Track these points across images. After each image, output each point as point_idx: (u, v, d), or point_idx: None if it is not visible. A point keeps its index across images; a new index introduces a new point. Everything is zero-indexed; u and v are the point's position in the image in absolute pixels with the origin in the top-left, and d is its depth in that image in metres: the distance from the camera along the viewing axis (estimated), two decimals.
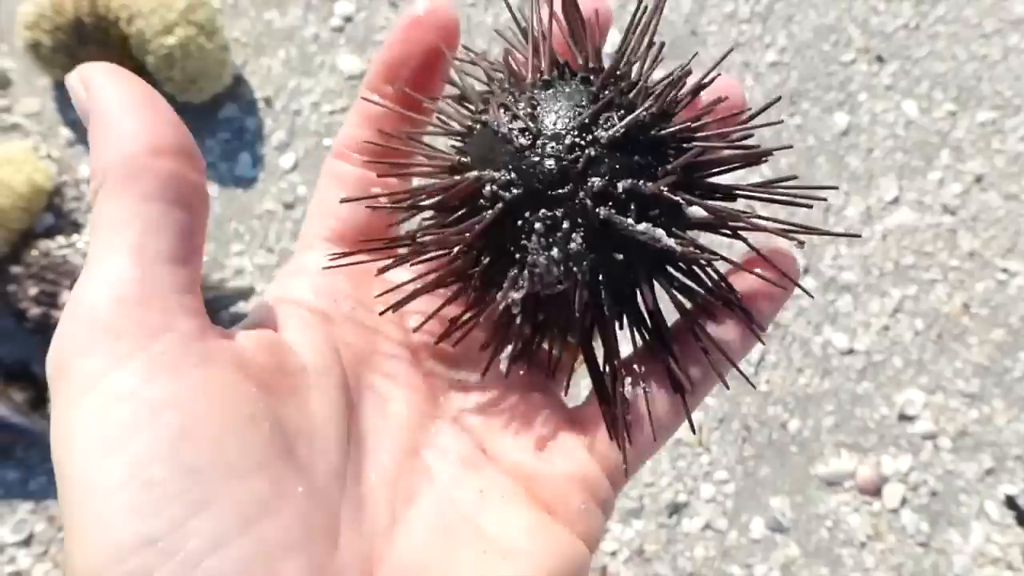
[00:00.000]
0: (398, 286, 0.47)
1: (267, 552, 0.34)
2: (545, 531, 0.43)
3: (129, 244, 0.36)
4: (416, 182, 0.48)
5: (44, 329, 1.33)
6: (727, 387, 0.46)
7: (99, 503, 0.33)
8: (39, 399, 1.36)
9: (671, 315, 0.47)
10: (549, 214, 0.41)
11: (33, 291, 1.33)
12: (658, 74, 0.46)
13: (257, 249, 1.51)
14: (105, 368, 0.35)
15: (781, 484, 1.45)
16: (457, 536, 0.42)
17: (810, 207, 0.44)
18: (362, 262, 0.47)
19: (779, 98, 0.49)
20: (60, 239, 1.38)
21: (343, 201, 0.47)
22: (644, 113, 0.42)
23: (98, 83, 0.39)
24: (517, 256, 0.42)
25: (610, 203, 0.41)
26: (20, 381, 1.36)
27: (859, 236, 0.43)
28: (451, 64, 0.48)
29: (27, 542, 1.33)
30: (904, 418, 1.50)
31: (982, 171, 1.68)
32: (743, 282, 0.46)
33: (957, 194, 1.66)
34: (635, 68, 0.46)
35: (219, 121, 1.59)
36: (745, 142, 0.45)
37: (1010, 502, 1.46)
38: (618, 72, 0.45)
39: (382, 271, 0.47)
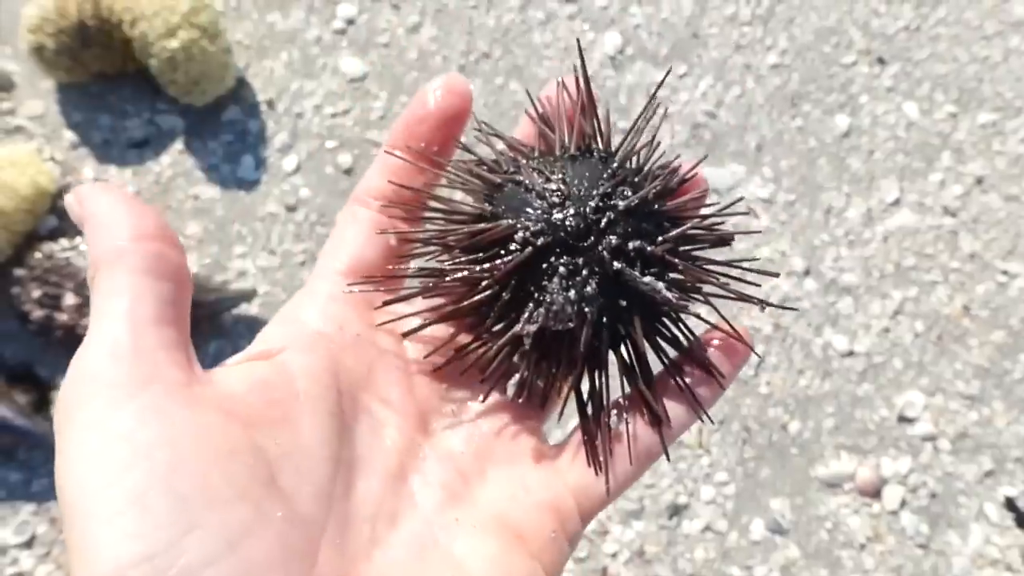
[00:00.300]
0: (406, 316, 0.54)
1: (250, 570, 0.39)
2: (510, 560, 0.48)
3: (120, 311, 0.43)
4: (432, 228, 0.56)
5: (47, 331, 1.34)
6: (712, 422, 0.54)
7: (102, 528, 0.38)
8: (42, 401, 1.37)
9: (655, 365, 0.54)
10: (572, 261, 0.49)
11: (36, 293, 1.33)
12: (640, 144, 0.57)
13: (260, 251, 1.51)
14: (104, 414, 0.40)
15: (781, 486, 1.46)
16: (429, 561, 0.47)
17: (759, 286, 0.54)
18: (378, 290, 0.53)
19: (741, 197, 0.61)
20: (64, 242, 1.39)
21: (379, 233, 0.54)
22: (650, 191, 0.51)
23: (88, 196, 0.46)
24: (536, 295, 0.50)
25: (622, 258, 0.49)
26: (23, 383, 1.36)
27: (795, 310, 0.51)
28: (477, 130, 0.57)
29: (29, 544, 1.34)
30: (904, 420, 1.50)
31: (983, 173, 1.68)
32: (712, 342, 0.54)
33: (958, 196, 1.66)
34: (641, 154, 0.55)
35: (222, 123, 1.60)
36: (722, 227, 0.55)
37: (1009, 504, 1.46)
38: (631, 153, 0.54)
39: (393, 301, 0.54)
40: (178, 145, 1.58)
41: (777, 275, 0.54)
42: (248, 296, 1.46)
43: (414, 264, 0.55)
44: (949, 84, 1.75)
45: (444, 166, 0.55)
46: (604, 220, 0.49)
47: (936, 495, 1.46)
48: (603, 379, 0.52)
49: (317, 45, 1.67)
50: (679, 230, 0.51)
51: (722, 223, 0.54)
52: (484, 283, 0.51)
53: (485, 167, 0.54)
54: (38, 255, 1.37)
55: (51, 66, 1.52)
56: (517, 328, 0.49)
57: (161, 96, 1.58)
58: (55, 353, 1.40)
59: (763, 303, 0.53)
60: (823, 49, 1.77)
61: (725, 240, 0.54)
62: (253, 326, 1.46)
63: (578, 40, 0.55)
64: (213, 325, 1.43)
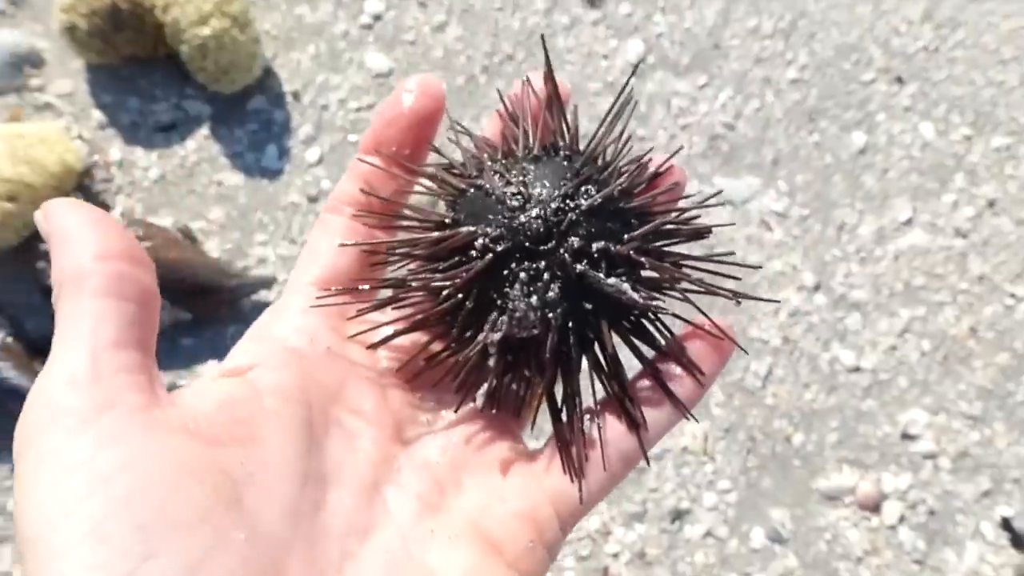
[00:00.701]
0: (377, 326, 0.53)
1: None
2: (486, 570, 0.47)
3: (80, 334, 0.42)
4: (402, 235, 0.55)
5: None
6: (696, 420, 0.53)
7: (60, 559, 0.37)
8: None
9: (632, 368, 0.53)
10: (533, 266, 0.47)
11: None
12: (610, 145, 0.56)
13: (280, 240, 1.54)
14: (61, 442, 0.39)
15: (782, 496, 1.48)
16: (403, 573, 0.46)
17: (739, 279, 0.53)
18: (346, 303, 0.52)
19: (720, 190, 0.60)
20: (111, 213, 1.41)
21: (342, 246, 0.53)
22: (615, 188, 0.49)
23: (55, 212, 0.45)
24: (499, 302, 0.48)
25: (585, 260, 0.48)
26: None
27: (778, 302, 0.51)
28: (450, 130, 0.55)
29: None
30: (906, 437, 1.53)
31: (995, 196, 1.70)
32: (693, 339, 0.52)
33: (969, 218, 1.68)
34: (609, 150, 0.54)
35: (248, 112, 1.62)
36: (696, 221, 0.53)
37: (1005, 524, 1.48)
38: (597, 150, 0.53)
39: (363, 312, 0.52)
40: (204, 131, 1.60)
41: (759, 267, 0.56)
42: (268, 283, 1.48)
43: (389, 272, 0.55)
44: (965, 106, 1.77)
45: (416, 171, 0.54)
46: (565, 222, 0.48)
47: (934, 512, 1.48)
48: (575, 384, 0.51)
49: (344, 39, 1.69)
50: (646, 228, 0.49)
51: (697, 216, 0.52)
52: (445, 292, 0.49)
53: (451, 172, 0.53)
54: None
55: (83, 47, 1.54)
56: (481, 337, 0.48)
57: (190, 82, 1.60)
58: None
59: (737, 296, 0.51)
60: (843, 66, 1.79)
61: (700, 234, 0.52)
62: None
63: (542, 36, 0.58)
64: (232, 310, 1.45)
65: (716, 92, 1.74)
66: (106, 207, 1.51)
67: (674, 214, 0.52)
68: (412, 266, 0.53)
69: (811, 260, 1.63)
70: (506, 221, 0.48)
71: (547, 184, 0.49)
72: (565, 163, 0.51)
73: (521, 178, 0.49)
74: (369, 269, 0.54)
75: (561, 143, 0.53)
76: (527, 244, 0.47)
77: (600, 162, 0.52)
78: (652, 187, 0.53)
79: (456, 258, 0.49)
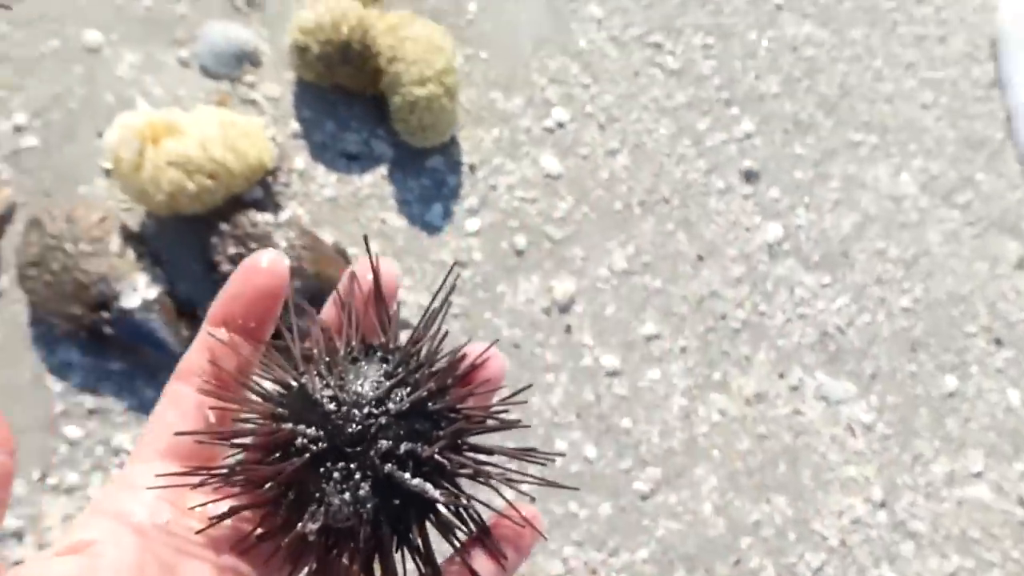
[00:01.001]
0: (216, 500, 0.54)
1: None
2: None
3: None
4: (242, 414, 0.57)
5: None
6: None
7: None
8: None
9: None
10: (346, 466, 0.51)
11: (231, 251, 1.46)
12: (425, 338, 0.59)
13: (423, 290, 1.64)
14: None
15: None
16: None
17: (543, 464, 0.57)
18: (184, 484, 0.53)
19: (529, 386, 0.63)
20: (268, 216, 1.52)
21: (177, 434, 0.53)
22: (424, 391, 0.53)
23: None
24: (317, 495, 0.51)
25: (393, 461, 0.51)
26: (187, 318, 1.48)
27: (576, 489, 0.54)
28: (284, 317, 0.58)
29: None
30: None
31: None
32: (500, 527, 0.56)
33: None
34: (425, 347, 0.57)
35: (426, 168, 1.75)
36: (504, 415, 0.57)
37: None
38: (412, 351, 0.56)
39: (202, 485, 0.54)
40: (382, 170, 1.73)
41: (562, 455, 0.56)
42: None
43: (224, 456, 0.57)
44: None
45: (257, 348, 0.56)
46: (375, 426, 0.51)
47: None
48: (391, 566, 0.54)
49: (526, 134, 1.84)
50: (450, 429, 0.53)
51: (506, 411, 0.56)
52: (268, 484, 0.52)
53: (277, 365, 0.55)
54: (244, 219, 1.50)
55: (306, 66, 1.69)
56: (299, 526, 0.51)
57: (384, 124, 1.74)
58: None
59: (543, 484, 0.55)
60: (950, 312, 1.91)
61: (508, 427, 0.56)
62: None
63: (365, 236, 0.58)
64: None
65: (836, 295, 1.86)
66: (278, 207, 1.63)
67: (477, 413, 0.56)
68: (246, 453, 0.55)
69: (883, 478, 1.70)
70: (322, 422, 0.51)
71: (363, 387, 0.52)
72: (382, 364, 0.54)
73: (339, 381, 0.52)
74: (210, 447, 0.55)
75: (384, 340, 0.57)
76: (340, 446, 0.51)
77: (416, 360, 0.55)
78: (468, 381, 0.57)
79: (280, 452, 0.52)
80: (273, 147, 1.66)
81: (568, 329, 1.72)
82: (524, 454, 0.57)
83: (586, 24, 1.98)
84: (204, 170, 1.46)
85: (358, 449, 0.51)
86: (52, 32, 1.68)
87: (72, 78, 1.66)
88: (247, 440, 0.54)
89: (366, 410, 0.51)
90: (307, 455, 0.51)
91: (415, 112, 1.64)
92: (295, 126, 1.72)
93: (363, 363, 0.54)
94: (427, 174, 1.74)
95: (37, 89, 1.63)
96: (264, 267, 0.55)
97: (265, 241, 1.48)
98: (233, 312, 0.55)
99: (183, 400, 0.54)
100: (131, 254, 1.48)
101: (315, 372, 0.53)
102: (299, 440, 0.51)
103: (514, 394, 0.57)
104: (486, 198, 1.76)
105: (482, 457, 0.57)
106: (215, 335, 0.55)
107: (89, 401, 1.48)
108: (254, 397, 0.55)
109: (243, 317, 0.55)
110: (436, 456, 0.52)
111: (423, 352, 0.56)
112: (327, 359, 0.55)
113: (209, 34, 1.75)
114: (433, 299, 0.58)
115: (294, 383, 0.54)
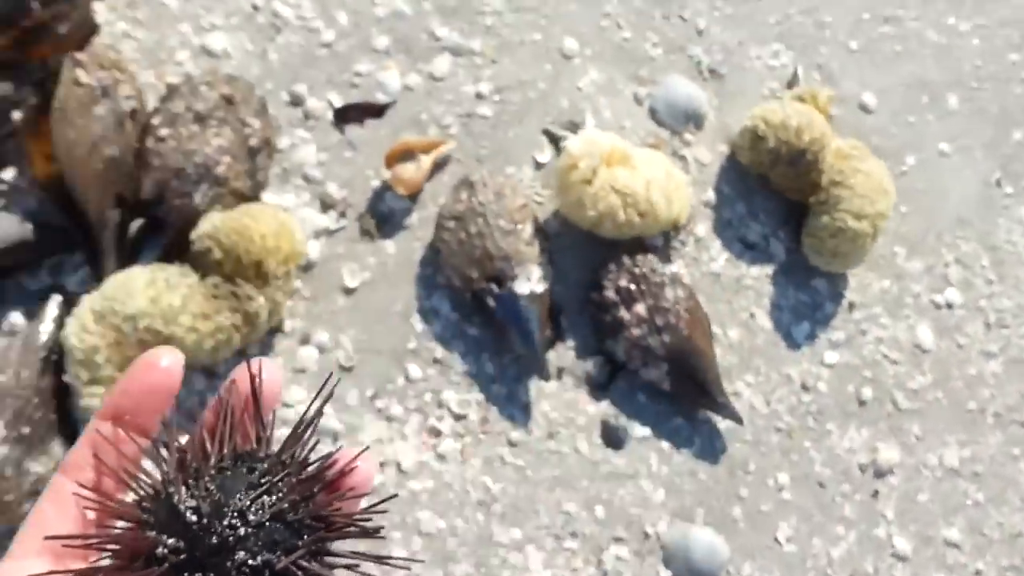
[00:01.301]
0: None
1: None
2: None
3: None
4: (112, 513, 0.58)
5: (603, 311, 1.57)
6: None
7: None
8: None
9: None
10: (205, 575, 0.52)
11: (622, 283, 1.56)
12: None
13: (759, 394, 1.68)
14: None
15: None
16: None
17: (402, 567, 0.57)
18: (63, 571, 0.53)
19: (395, 495, 0.63)
20: (669, 267, 1.62)
21: (47, 538, 0.53)
22: (286, 503, 0.54)
23: None
24: None
25: (247, 571, 0.52)
26: (551, 321, 1.61)
27: (423, 561, 0.52)
28: (161, 428, 0.58)
29: None
30: None
31: None
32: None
33: None
34: (295, 454, 0.58)
35: (809, 286, 1.77)
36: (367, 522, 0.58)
37: None
38: (282, 459, 0.57)
39: None
40: (769, 269, 1.78)
41: (420, 561, 0.51)
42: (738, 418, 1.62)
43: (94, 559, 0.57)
44: None
45: (141, 446, 0.56)
46: (234, 537, 0.52)
47: None
48: None
49: (913, 298, 1.82)
50: (306, 542, 0.54)
51: (368, 519, 0.57)
52: None
53: (145, 473, 0.56)
54: (647, 260, 1.61)
55: (751, 151, 1.74)
56: None
57: (787, 227, 1.79)
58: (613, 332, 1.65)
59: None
60: None
61: (370, 534, 0.57)
62: None
63: (247, 357, 0.55)
64: None
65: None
66: (667, 259, 1.73)
67: (352, 516, 0.57)
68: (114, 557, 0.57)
69: None
70: (184, 532, 0.52)
71: (224, 499, 0.53)
72: (248, 475, 0.55)
73: (203, 492, 0.53)
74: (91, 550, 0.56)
75: (253, 449, 0.57)
76: (200, 557, 0.52)
77: (284, 470, 0.56)
78: (335, 488, 0.58)
79: (144, 559, 0.53)
80: (690, 207, 1.76)
81: (875, 494, 1.69)
82: (383, 560, 0.59)
83: (1013, 224, 1.92)
84: (638, 207, 1.58)
85: (217, 559, 0.52)
86: (539, 27, 1.86)
87: (540, 72, 1.82)
88: (115, 545, 0.55)
89: (226, 521, 0.53)
90: (166, 564, 0.52)
91: (837, 238, 1.67)
92: (711, 195, 1.81)
93: (228, 474, 0.56)
94: (808, 291, 1.78)
95: (508, 69, 1.80)
96: (162, 366, 0.56)
97: (655, 290, 1.57)
98: (123, 407, 0.56)
99: (63, 495, 0.55)
100: (537, 246, 1.62)
101: (181, 480, 0.55)
102: (160, 549, 0.53)
103: (380, 502, 0.58)
104: (852, 339, 1.76)
105: (341, 561, 0.60)
106: (100, 430, 0.55)
107: (438, 351, 1.61)
108: (127, 500, 0.57)
109: (132, 413, 0.56)
110: (291, 566, 0.53)
111: (291, 460, 0.58)
112: (195, 468, 0.56)
113: (671, 85, 1.87)
114: (309, 407, 0.59)
115: (159, 491, 0.55)
